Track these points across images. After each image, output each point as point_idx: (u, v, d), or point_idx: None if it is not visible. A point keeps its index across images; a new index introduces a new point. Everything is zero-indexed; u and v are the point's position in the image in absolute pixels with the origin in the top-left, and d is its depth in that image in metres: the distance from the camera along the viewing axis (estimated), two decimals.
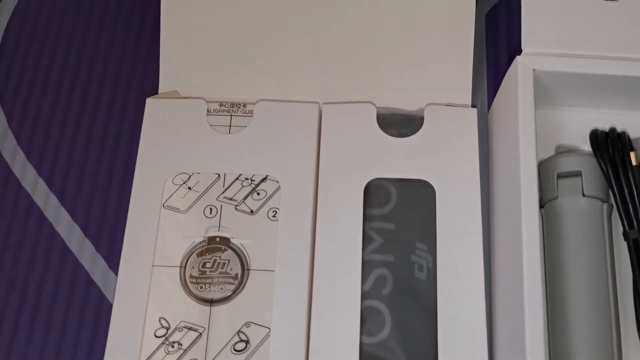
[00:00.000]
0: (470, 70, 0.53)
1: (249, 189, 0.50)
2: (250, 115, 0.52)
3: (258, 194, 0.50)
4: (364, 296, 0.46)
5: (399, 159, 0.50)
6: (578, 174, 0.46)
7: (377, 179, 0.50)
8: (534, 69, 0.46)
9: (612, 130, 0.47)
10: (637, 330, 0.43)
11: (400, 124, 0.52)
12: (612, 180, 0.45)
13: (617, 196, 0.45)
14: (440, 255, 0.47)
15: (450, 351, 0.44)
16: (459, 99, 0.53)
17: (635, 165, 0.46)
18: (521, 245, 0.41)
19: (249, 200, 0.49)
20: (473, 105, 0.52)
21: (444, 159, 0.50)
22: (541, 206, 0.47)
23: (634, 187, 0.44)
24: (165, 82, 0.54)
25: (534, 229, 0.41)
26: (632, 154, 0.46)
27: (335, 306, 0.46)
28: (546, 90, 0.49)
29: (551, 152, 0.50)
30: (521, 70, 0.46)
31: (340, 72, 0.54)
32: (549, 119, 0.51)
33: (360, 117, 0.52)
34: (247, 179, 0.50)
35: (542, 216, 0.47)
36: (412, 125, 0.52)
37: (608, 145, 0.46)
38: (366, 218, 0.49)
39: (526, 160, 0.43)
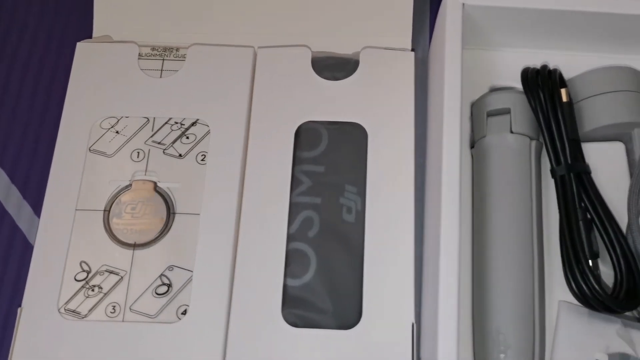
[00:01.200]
0: (410, 15, 0.51)
1: (178, 132, 0.48)
2: (183, 59, 0.50)
3: (187, 137, 0.48)
4: (290, 238, 0.45)
5: (332, 102, 0.49)
6: (507, 111, 0.44)
7: (309, 122, 0.48)
8: (463, 3, 0.44)
9: (543, 67, 0.45)
10: (562, 267, 0.41)
11: (334, 67, 0.50)
12: (540, 116, 0.43)
13: (545, 132, 0.43)
14: (369, 198, 0.46)
15: (375, 294, 0.43)
16: (399, 43, 0.51)
17: (566, 102, 0.44)
18: (440, 186, 0.39)
19: (177, 144, 0.48)
20: (413, 50, 0.50)
21: (377, 102, 0.48)
22: (472, 146, 0.46)
23: (561, 123, 0.43)
24: (99, 27, 0.53)
25: (454, 169, 0.39)
26: (562, 91, 0.44)
27: (261, 249, 0.44)
28: (479, 30, 0.47)
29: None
30: (450, 4, 0.44)
31: (277, 17, 0.52)
32: (484, 59, 0.49)
33: (294, 61, 0.50)
34: (176, 122, 0.48)
35: (472, 156, 0.46)
36: (347, 69, 0.50)
37: (538, 82, 0.44)
38: (296, 161, 0.47)
39: (450, 97, 0.41)
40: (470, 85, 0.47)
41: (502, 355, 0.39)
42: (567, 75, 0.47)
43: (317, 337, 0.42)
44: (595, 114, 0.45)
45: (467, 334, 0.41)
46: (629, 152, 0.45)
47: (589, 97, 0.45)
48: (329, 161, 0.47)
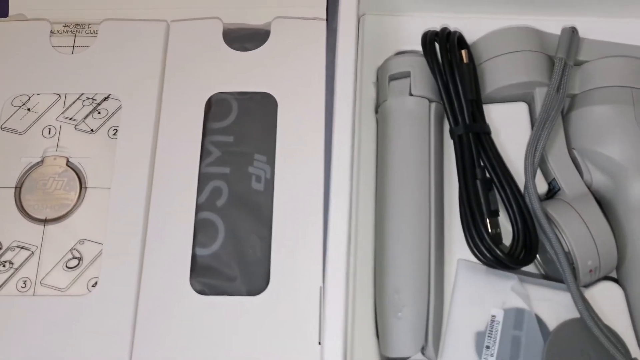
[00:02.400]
0: None
1: (90, 108, 0.48)
2: (95, 35, 0.50)
3: (99, 113, 0.48)
4: (199, 208, 0.45)
5: (243, 73, 0.48)
6: (407, 74, 0.44)
7: (220, 93, 0.48)
8: None
9: (443, 29, 0.45)
10: (462, 225, 0.41)
11: (246, 38, 0.50)
12: (438, 78, 0.43)
13: (443, 93, 0.43)
14: (279, 167, 0.46)
15: (283, 260, 0.43)
16: (314, 13, 0.51)
17: (466, 64, 0.44)
18: (332, 152, 0.39)
19: (89, 120, 0.48)
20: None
21: (288, 71, 0.48)
22: (377, 111, 0.46)
23: (459, 84, 0.42)
24: (13, 6, 0.52)
25: (345, 133, 0.40)
26: (463, 52, 0.44)
27: (170, 220, 0.44)
28: None
29: None
30: None
31: None
32: (391, 24, 0.48)
33: (206, 33, 0.50)
34: (88, 98, 0.48)
35: (377, 121, 0.46)
36: (258, 39, 0.50)
37: (436, 44, 0.44)
38: (206, 132, 0.47)
39: (343, 62, 0.41)
40: (379, 51, 0.47)
41: (399, 314, 0.39)
42: (473, 38, 0.46)
43: (224, 304, 0.43)
44: (496, 74, 0.45)
45: (369, 295, 0.41)
46: (532, 112, 0.45)
47: (490, 58, 0.45)
48: (238, 131, 0.47)
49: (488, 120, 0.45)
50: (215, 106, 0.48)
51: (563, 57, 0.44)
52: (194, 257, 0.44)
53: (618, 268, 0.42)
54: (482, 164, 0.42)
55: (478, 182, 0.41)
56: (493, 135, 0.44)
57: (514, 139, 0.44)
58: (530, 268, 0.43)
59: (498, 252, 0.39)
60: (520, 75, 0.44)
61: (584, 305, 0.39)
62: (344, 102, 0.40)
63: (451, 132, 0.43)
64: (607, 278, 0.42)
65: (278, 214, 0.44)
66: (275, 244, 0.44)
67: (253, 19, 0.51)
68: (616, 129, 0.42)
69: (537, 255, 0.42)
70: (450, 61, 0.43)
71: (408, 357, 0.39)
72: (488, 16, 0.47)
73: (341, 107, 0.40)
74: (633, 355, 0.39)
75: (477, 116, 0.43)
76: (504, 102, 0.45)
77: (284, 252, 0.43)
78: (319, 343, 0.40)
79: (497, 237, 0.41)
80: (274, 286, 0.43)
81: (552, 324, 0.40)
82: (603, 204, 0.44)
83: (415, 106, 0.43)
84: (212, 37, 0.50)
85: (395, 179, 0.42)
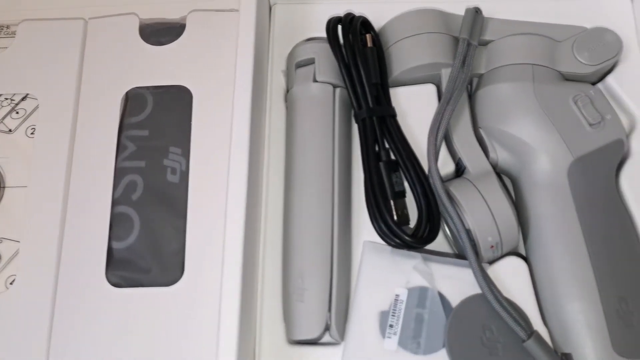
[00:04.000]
0: None
1: (8, 108, 0.48)
2: (13, 36, 0.50)
3: (17, 112, 0.48)
4: (115, 203, 0.45)
5: (158, 67, 0.49)
6: (312, 61, 0.44)
7: (135, 88, 0.48)
8: None
9: (346, 15, 0.45)
10: (367, 208, 0.41)
11: (162, 32, 0.50)
12: (340, 63, 0.43)
13: (345, 78, 0.43)
14: (193, 159, 0.46)
15: (197, 250, 0.43)
16: (230, 5, 0.51)
17: (370, 48, 0.44)
18: (231, 139, 0.40)
19: (7, 120, 0.48)
20: None
21: (202, 64, 0.48)
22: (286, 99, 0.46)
23: (361, 69, 0.43)
24: None
25: (244, 123, 0.40)
26: (367, 36, 0.44)
27: (86, 215, 0.44)
28: None
29: None
30: None
31: None
32: (302, 13, 0.48)
33: (122, 29, 0.50)
34: (7, 99, 0.48)
35: (287, 108, 0.46)
36: (173, 33, 0.50)
37: (338, 30, 0.44)
38: (123, 127, 0.47)
39: (244, 52, 0.41)
40: (290, 40, 0.47)
41: (302, 298, 0.39)
42: (382, 23, 0.46)
43: (139, 296, 0.43)
44: (402, 57, 0.45)
45: (278, 281, 0.42)
46: (440, 93, 0.45)
47: (397, 41, 0.45)
48: (153, 125, 0.47)
49: (397, 103, 0.45)
50: (131, 101, 0.48)
51: (466, 37, 0.44)
52: (110, 251, 0.44)
53: (524, 243, 0.42)
54: (386, 146, 0.42)
55: (381, 164, 0.41)
56: (403, 118, 0.45)
57: (422, 121, 0.44)
58: (444, 247, 0.43)
59: (400, 232, 0.40)
60: (425, 56, 0.44)
61: (485, 280, 0.39)
62: (243, 92, 0.40)
63: (355, 116, 0.43)
64: (513, 254, 0.42)
65: (192, 205, 0.44)
66: (189, 235, 0.44)
67: (170, 13, 0.51)
68: (517, 106, 0.42)
69: (450, 235, 0.42)
70: (352, 46, 0.43)
71: (312, 339, 0.39)
72: (398, 1, 0.47)
73: (239, 97, 0.40)
74: (536, 328, 0.40)
75: (382, 99, 0.43)
76: (412, 84, 0.46)
77: (199, 243, 0.43)
78: None
79: (403, 218, 0.42)
80: (188, 276, 0.43)
81: (455, 300, 0.40)
82: (511, 181, 0.44)
83: (319, 92, 0.43)
84: (129, 33, 0.50)
85: (299, 165, 0.42)
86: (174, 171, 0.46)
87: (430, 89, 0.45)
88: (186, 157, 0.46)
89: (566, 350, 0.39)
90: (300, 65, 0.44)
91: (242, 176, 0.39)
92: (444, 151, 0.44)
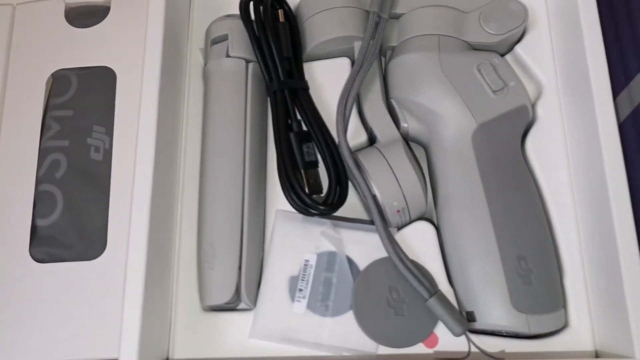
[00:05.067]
0: None
1: None
2: None
3: None
4: (39, 181, 0.46)
5: (83, 49, 0.49)
6: (226, 37, 0.45)
7: (60, 70, 0.49)
8: None
9: None
10: (279, 177, 0.42)
11: (87, 15, 0.51)
12: (252, 38, 0.44)
13: (256, 52, 0.44)
14: (117, 137, 0.47)
15: (119, 225, 0.44)
16: None
17: (282, 23, 0.45)
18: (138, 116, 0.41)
19: None
20: None
21: (126, 45, 0.49)
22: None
23: (271, 43, 0.43)
24: None
25: (151, 99, 0.41)
26: (280, 12, 0.45)
27: (11, 194, 0.45)
28: None
29: None
30: None
31: None
32: None
33: (49, 13, 0.51)
34: None
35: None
36: (99, 15, 0.51)
37: (250, 6, 0.45)
38: (48, 108, 0.48)
39: (153, 28, 0.42)
40: (210, 18, 0.48)
41: (212, 265, 0.40)
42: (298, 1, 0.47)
43: (62, 270, 0.44)
44: (315, 31, 0.46)
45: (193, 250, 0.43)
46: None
47: (311, 16, 0.46)
48: (78, 105, 0.48)
49: (312, 77, 0.46)
50: (56, 83, 0.49)
51: (376, 10, 0.45)
52: (34, 228, 0.45)
53: (435, 208, 0.43)
54: (298, 117, 0.43)
55: (292, 135, 0.42)
56: (318, 91, 0.45)
57: (336, 93, 0.45)
58: (362, 215, 0.44)
59: (308, 200, 0.41)
60: (336, 30, 0.45)
61: (390, 243, 0.40)
62: (151, 70, 0.41)
63: (267, 88, 0.44)
64: (423, 219, 0.43)
65: (115, 182, 0.45)
66: (112, 210, 0.45)
67: None
68: (423, 76, 0.43)
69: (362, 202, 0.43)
70: (263, 20, 0.44)
71: (223, 305, 0.40)
72: None
73: (149, 75, 0.41)
74: (442, 289, 0.41)
75: (294, 73, 0.44)
76: (327, 58, 0.46)
77: (120, 218, 0.44)
78: None
79: (316, 187, 0.43)
80: (109, 251, 0.44)
81: (363, 264, 0.41)
82: (424, 149, 0.45)
83: (232, 67, 0.44)
84: (55, 17, 0.50)
85: (212, 138, 0.43)
86: (97, 149, 0.47)
87: (344, 62, 0.46)
88: (110, 135, 0.47)
89: (469, 309, 0.40)
90: (215, 41, 0.45)
91: (150, 151, 0.40)
92: (357, 122, 0.45)
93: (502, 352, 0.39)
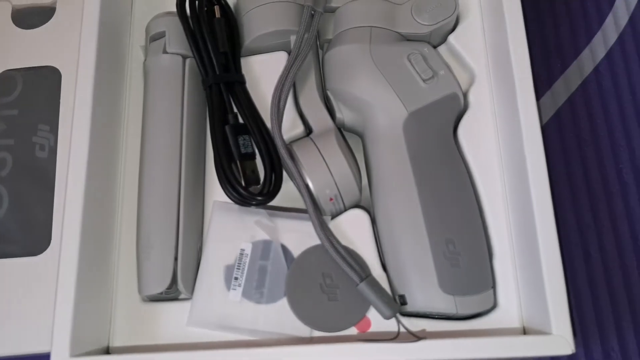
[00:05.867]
0: None
1: None
2: None
3: None
4: None
5: (28, 49, 0.50)
6: (164, 34, 0.46)
7: (6, 70, 0.50)
8: None
9: None
10: (215, 168, 0.43)
11: (34, 16, 0.52)
12: (188, 34, 0.44)
13: (192, 48, 0.44)
14: (61, 135, 0.48)
15: (62, 222, 0.45)
16: None
17: (218, 19, 0.45)
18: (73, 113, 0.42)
19: None
20: None
21: (70, 45, 0.49)
22: None
23: (207, 38, 0.44)
24: None
25: (85, 96, 0.41)
26: (216, 8, 0.46)
27: None
28: None
29: None
30: None
31: None
32: None
33: None
34: None
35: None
36: (44, 16, 0.51)
37: (186, 1, 0.45)
38: None
39: (87, 24, 0.43)
40: (151, 16, 0.49)
41: (149, 256, 0.41)
42: None
43: (7, 266, 0.44)
44: (251, 26, 0.46)
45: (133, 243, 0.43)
46: None
47: (247, 12, 0.47)
48: (23, 104, 0.49)
49: (251, 71, 0.46)
50: (2, 83, 0.49)
51: (310, 4, 0.45)
52: None
53: (370, 196, 0.44)
54: (234, 110, 0.44)
55: (227, 127, 0.43)
56: (256, 84, 0.46)
57: (274, 86, 0.46)
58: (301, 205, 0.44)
59: (242, 190, 0.41)
60: (271, 24, 0.46)
61: (322, 230, 0.41)
62: (85, 67, 0.42)
63: (203, 82, 0.44)
64: (359, 207, 0.44)
65: (60, 178, 0.46)
66: (56, 207, 0.46)
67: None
68: (355, 67, 0.44)
69: None
70: (198, 16, 0.44)
71: (160, 294, 0.41)
72: None
73: (83, 73, 0.42)
74: (376, 274, 0.41)
75: (231, 67, 0.45)
76: (266, 52, 0.47)
77: (67, 220, 0.45)
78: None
79: (253, 178, 0.43)
80: (54, 245, 0.45)
81: (298, 252, 0.42)
82: (360, 139, 0.46)
83: (169, 62, 0.45)
84: (1, 18, 0.51)
85: (150, 132, 0.44)
86: (42, 147, 0.48)
87: (282, 55, 0.47)
88: (55, 133, 0.48)
89: (401, 292, 0.41)
90: (154, 38, 0.46)
91: (83, 146, 0.40)
92: (295, 114, 0.46)
93: (424, 330, 0.40)
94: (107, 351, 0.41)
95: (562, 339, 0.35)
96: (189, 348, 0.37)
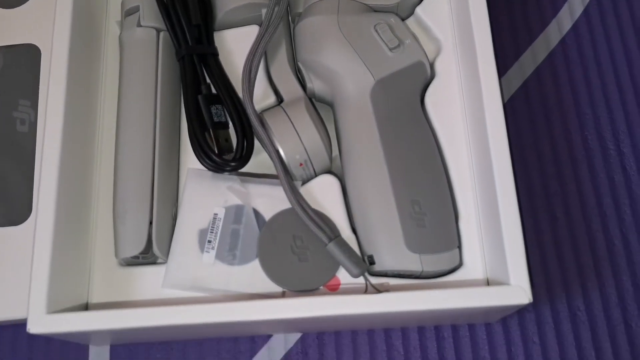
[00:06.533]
0: None
1: None
2: None
3: None
4: None
5: (8, 28, 0.51)
6: (138, 8, 0.47)
7: None
8: None
9: None
10: (189, 136, 0.44)
11: None
12: (161, 7, 0.46)
13: (165, 21, 0.46)
14: (41, 109, 0.49)
15: (41, 193, 0.46)
16: None
17: None
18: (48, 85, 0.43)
19: None
20: None
21: (49, 23, 0.50)
22: None
23: (179, 11, 0.45)
24: None
25: (61, 71, 0.43)
26: None
27: None
28: None
29: None
30: None
31: None
32: None
33: None
34: None
35: None
36: None
37: None
38: None
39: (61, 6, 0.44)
40: None
41: (123, 220, 0.42)
42: None
43: None
44: (224, 0, 0.47)
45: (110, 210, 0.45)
46: None
47: None
48: (4, 81, 0.50)
49: (223, 44, 0.48)
50: None
51: None
52: None
53: (341, 163, 0.45)
54: (207, 81, 0.45)
55: (200, 97, 0.44)
56: (229, 57, 0.47)
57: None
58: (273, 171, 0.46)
59: (216, 158, 0.42)
60: None
61: (293, 194, 0.42)
62: (60, 42, 0.43)
63: (176, 54, 0.45)
64: (331, 173, 0.45)
65: (40, 151, 0.47)
66: (36, 178, 0.47)
67: None
68: (323, 37, 0.45)
69: None
70: None
71: (134, 257, 0.42)
72: None
73: (57, 47, 0.43)
74: (345, 236, 0.43)
75: (204, 39, 0.46)
76: (239, 26, 0.48)
77: (43, 184, 0.46)
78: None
79: (226, 146, 0.44)
80: (34, 215, 0.46)
81: (269, 215, 0.43)
82: (331, 107, 0.47)
83: (143, 35, 0.46)
84: None
85: (125, 104, 0.45)
86: (22, 122, 0.49)
87: (254, 29, 0.48)
88: (35, 108, 0.49)
89: (369, 253, 0.42)
90: (129, 13, 0.47)
91: (58, 117, 0.41)
92: (267, 85, 0.47)
93: (387, 284, 0.41)
94: (86, 308, 0.42)
95: (520, 289, 0.37)
96: (163, 304, 0.38)
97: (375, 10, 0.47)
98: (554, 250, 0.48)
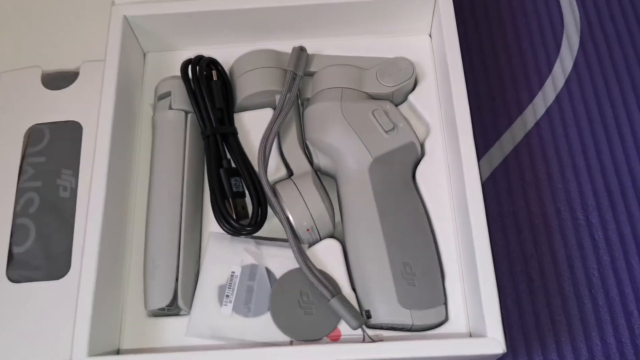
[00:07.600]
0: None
1: None
2: None
3: None
4: (15, 215, 0.54)
5: (55, 107, 0.59)
6: (170, 94, 0.54)
7: (36, 124, 0.58)
8: (124, 15, 0.54)
9: (197, 57, 0.55)
10: (211, 204, 0.50)
11: (60, 79, 0.60)
12: (189, 93, 0.53)
13: (193, 105, 0.53)
14: (81, 178, 0.55)
15: (81, 251, 0.52)
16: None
17: (215, 81, 0.54)
18: (93, 160, 0.49)
19: None
20: None
21: (92, 103, 0.57)
22: None
23: (205, 97, 0.52)
24: None
25: (104, 146, 0.49)
26: (213, 72, 0.54)
27: None
28: (153, 35, 0.57)
29: None
30: (114, 15, 0.54)
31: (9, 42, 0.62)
32: (170, 58, 0.58)
33: (27, 79, 0.60)
34: None
35: None
36: (69, 80, 0.60)
37: (188, 67, 0.54)
38: (25, 156, 0.57)
39: (105, 89, 0.51)
40: (160, 79, 0.57)
41: (153, 276, 0.48)
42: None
43: (34, 289, 0.51)
44: (243, 87, 0.55)
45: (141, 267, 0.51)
46: None
47: (240, 75, 0.55)
48: (49, 153, 0.57)
49: (242, 124, 0.55)
50: (32, 135, 0.57)
51: (292, 69, 0.54)
52: (10, 254, 0.53)
53: (342, 228, 0.52)
54: (228, 157, 0.52)
55: (221, 170, 0.51)
56: (247, 136, 0.54)
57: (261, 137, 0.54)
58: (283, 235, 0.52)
59: (234, 223, 0.49)
60: (260, 85, 0.54)
61: (300, 255, 0.48)
62: (104, 121, 0.50)
63: (202, 133, 0.52)
64: (334, 238, 0.51)
65: (79, 214, 0.54)
66: (76, 238, 0.53)
67: (67, 65, 0.61)
68: (328, 120, 0.52)
69: None
70: (198, 79, 0.53)
71: (163, 309, 0.48)
72: (241, 45, 0.58)
73: (102, 125, 0.50)
74: (346, 292, 0.48)
75: (225, 121, 0.53)
76: (255, 109, 0.56)
77: (87, 244, 0.52)
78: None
79: (243, 213, 0.51)
80: (73, 271, 0.52)
81: (280, 274, 0.49)
82: (334, 180, 0.53)
83: (173, 117, 0.53)
84: (33, 81, 0.60)
85: (157, 175, 0.52)
86: (65, 188, 0.55)
87: (268, 111, 0.55)
88: (76, 176, 0.56)
89: (366, 307, 0.48)
90: (161, 97, 0.54)
91: (101, 186, 0.48)
92: (279, 160, 0.53)
93: (380, 335, 0.46)
94: (118, 353, 0.48)
95: (495, 340, 0.42)
96: (186, 350, 0.44)
97: (373, 97, 0.54)
98: (530, 307, 0.54)
